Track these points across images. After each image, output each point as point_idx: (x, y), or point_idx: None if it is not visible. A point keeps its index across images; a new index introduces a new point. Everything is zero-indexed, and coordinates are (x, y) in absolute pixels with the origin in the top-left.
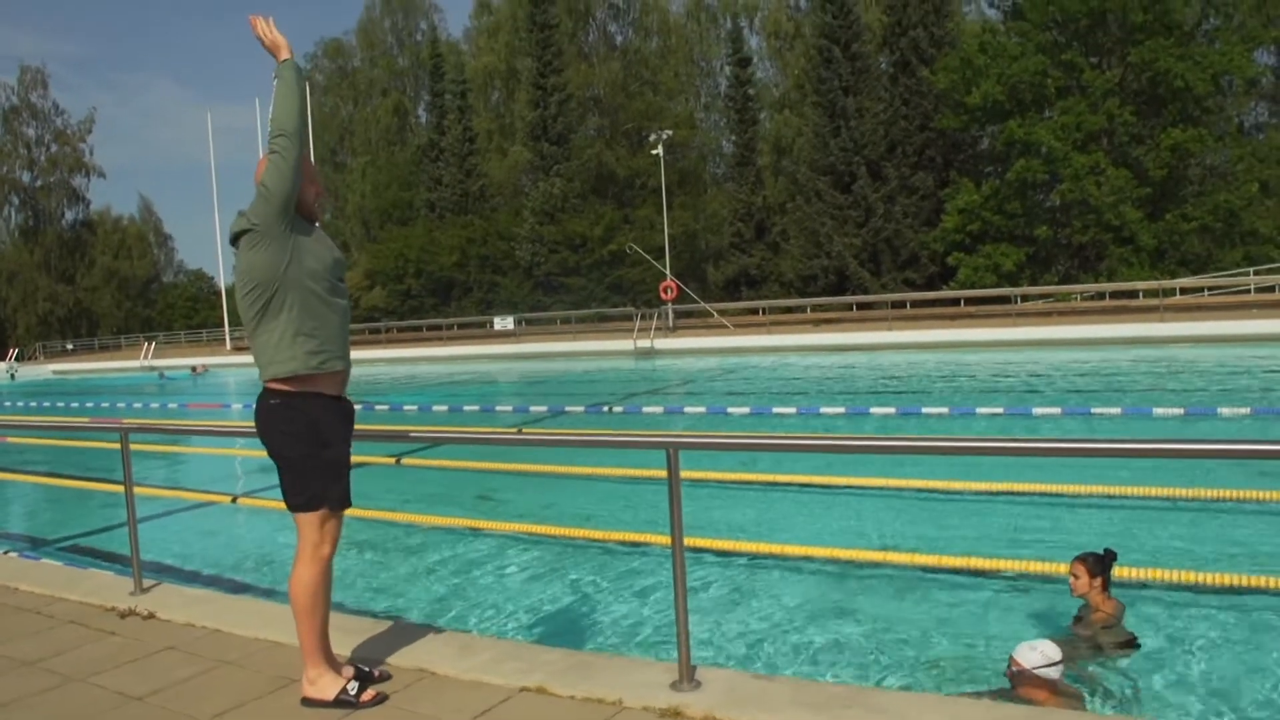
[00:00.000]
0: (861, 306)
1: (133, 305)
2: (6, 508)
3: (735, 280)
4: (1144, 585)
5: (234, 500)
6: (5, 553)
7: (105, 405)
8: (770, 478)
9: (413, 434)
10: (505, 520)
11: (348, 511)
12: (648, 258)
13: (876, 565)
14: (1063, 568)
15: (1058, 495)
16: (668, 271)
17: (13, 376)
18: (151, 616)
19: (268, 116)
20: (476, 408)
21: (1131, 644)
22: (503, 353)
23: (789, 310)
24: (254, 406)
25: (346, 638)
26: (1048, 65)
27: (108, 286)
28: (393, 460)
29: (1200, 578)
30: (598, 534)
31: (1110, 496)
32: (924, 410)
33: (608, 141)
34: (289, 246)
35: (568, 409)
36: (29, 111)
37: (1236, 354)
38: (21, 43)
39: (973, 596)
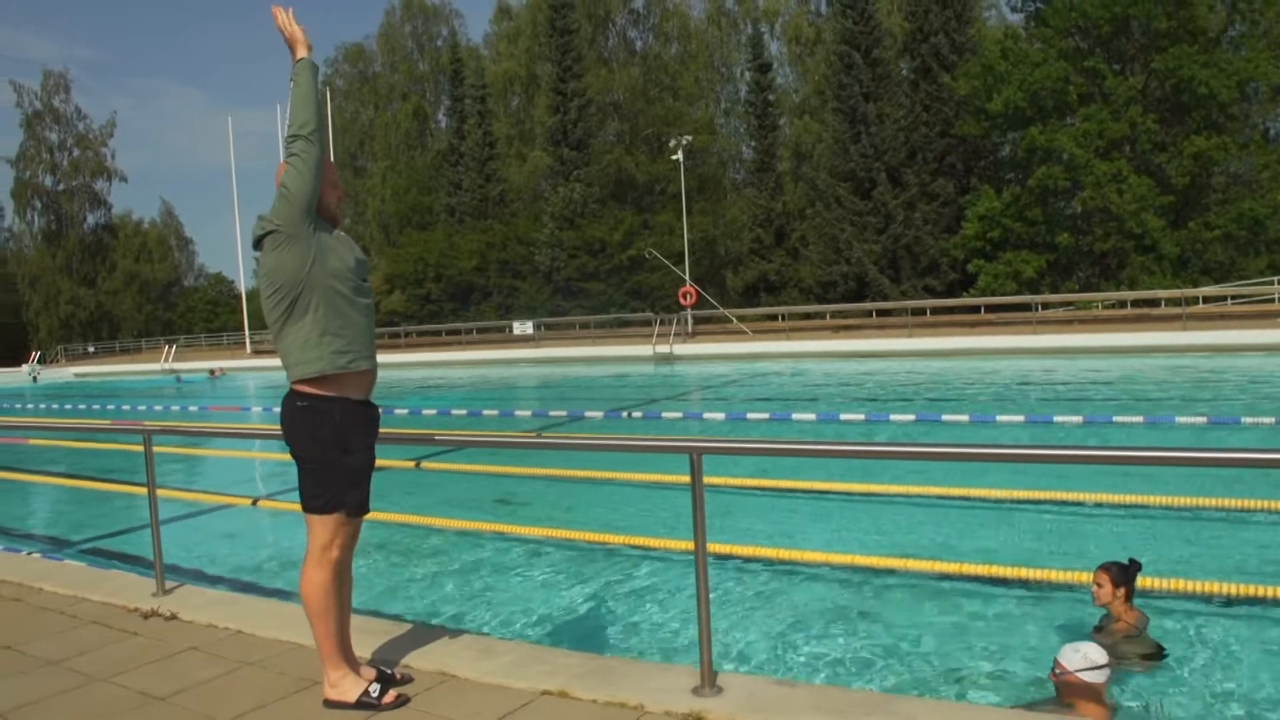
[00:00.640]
0: (881, 313)
1: (153, 308)
2: (30, 509)
3: (754, 286)
4: (1166, 595)
5: (254, 503)
6: (29, 554)
7: (126, 408)
8: (789, 484)
9: (438, 437)
10: (525, 524)
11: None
12: (667, 263)
13: (896, 572)
14: (1084, 576)
15: (1078, 504)
16: (687, 277)
17: (35, 379)
18: (174, 617)
19: (288, 121)
20: (495, 412)
21: (1157, 655)
22: (522, 357)
23: (808, 316)
24: (280, 407)
25: (367, 639)
26: (1070, 72)
27: (129, 290)
28: (412, 464)
29: (1224, 589)
30: (617, 539)
31: (1130, 505)
32: (944, 417)
33: (627, 147)
34: (313, 247)
35: (587, 414)
36: (51, 116)
37: (1259, 363)
38: (43, 47)
39: (993, 604)
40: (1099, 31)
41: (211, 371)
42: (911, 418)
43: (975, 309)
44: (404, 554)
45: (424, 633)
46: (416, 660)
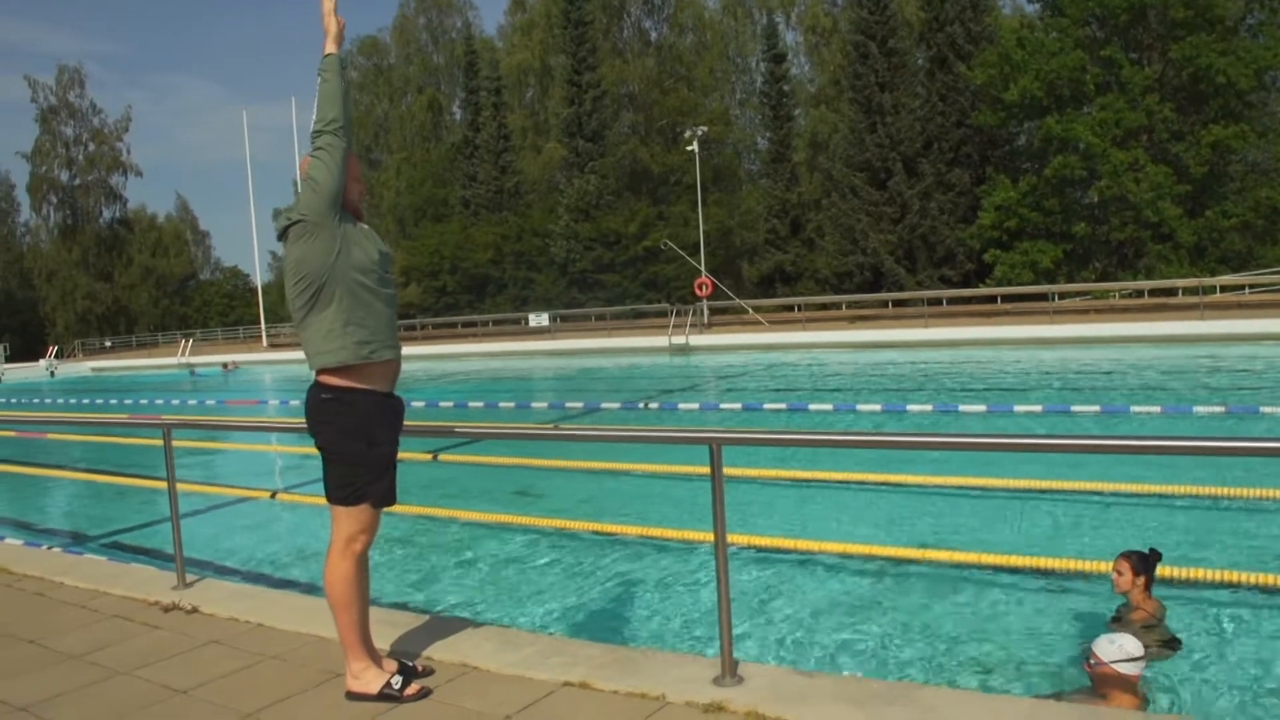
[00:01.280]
0: (897, 303)
1: (170, 303)
2: (50, 503)
3: (770, 277)
4: (1186, 584)
5: (274, 496)
6: (50, 548)
7: (144, 402)
8: (807, 475)
9: (458, 429)
10: (543, 516)
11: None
12: (683, 254)
13: (915, 562)
14: (1101, 566)
15: (1096, 493)
16: (702, 268)
17: (52, 374)
18: (195, 611)
19: (306, 115)
20: (512, 404)
21: (1173, 644)
22: (538, 349)
23: (824, 307)
24: (304, 399)
25: (388, 631)
26: (1086, 61)
27: (145, 284)
28: (429, 456)
29: (1244, 578)
30: (635, 530)
31: (1148, 495)
32: (961, 408)
33: (642, 138)
34: (338, 239)
35: (604, 405)
36: (67, 111)
37: (1278, 352)
38: (58, 42)
39: (1012, 594)
40: (1116, 20)
41: (225, 365)
42: (929, 408)
43: (992, 299)
44: (424, 546)
45: (445, 625)
46: (438, 652)
